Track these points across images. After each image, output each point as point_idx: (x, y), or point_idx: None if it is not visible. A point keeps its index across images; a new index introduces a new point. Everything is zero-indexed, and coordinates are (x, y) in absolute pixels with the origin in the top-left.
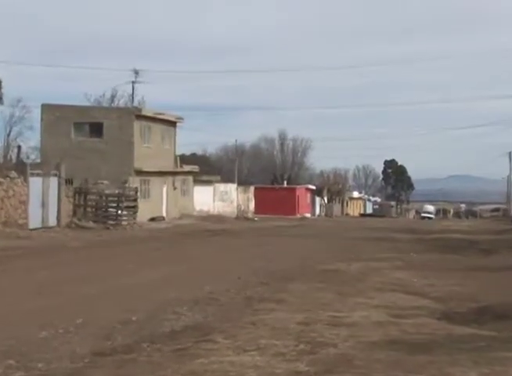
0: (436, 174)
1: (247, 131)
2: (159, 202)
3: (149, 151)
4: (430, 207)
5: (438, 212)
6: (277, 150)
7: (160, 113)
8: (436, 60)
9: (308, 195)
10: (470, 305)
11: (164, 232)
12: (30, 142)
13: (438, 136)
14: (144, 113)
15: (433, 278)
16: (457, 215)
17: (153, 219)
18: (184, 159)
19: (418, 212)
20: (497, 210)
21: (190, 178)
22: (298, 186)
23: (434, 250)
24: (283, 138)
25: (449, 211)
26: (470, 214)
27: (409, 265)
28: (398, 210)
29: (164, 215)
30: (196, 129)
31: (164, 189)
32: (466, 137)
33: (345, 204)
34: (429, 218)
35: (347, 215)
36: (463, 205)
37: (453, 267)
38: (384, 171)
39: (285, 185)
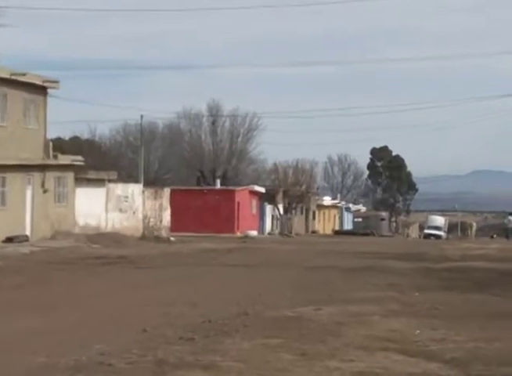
0: (452, 169)
1: (160, 103)
2: (19, 212)
3: (2, 133)
4: (439, 220)
5: (452, 228)
6: (206, 133)
7: (22, 74)
8: None
9: (254, 202)
10: (503, 370)
11: (26, 260)
12: None
13: (455, 111)
14: None
15: (445, 329)
16: (492, 234)
17: (9, 240)
18: (60, 145)
19: (423, 228)
20: None
21: (70, 175)
22: (239, 188)
23: (447, 286)
24: (214, 113)
25: (471, 226)
26: (503, 230)
27: (409, 309)
28: (393, 224)
29: (28, 232)
30: (80, 99)
31: (28, 193)
32: (500, 112)
33: (311, 215)
34: (436, 236)
35: (314, 232)
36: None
37: (476, 312)
38: (370, 165)
39: (218, 186)
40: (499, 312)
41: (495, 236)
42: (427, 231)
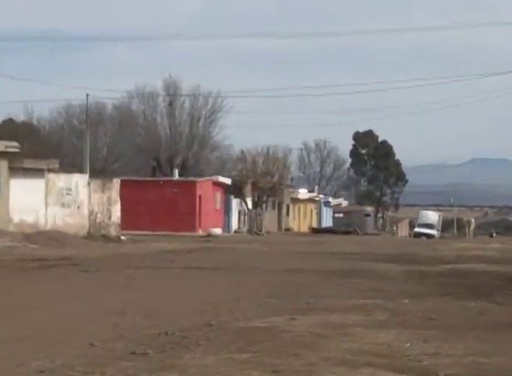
0: (447, 157)
1: (108, 81)
2: None
3: None
4: (431, 216)
5: (447, 225)
6: (162, 115)
7: None
8: None
9: (219, 195)
10: None
11: None
12: None
13: (450, 89)
14: None
15: (439, 341)
16: (490, 232)
17: None
18: None
19: (413, 225)
20: None
21: (3, 163)
22: (200, 179)
23: (441, 292)
24: (172, 92)
25: (469, 223)
26: (506, 228)
27: (398, 318)
28: (380, 221)
29: None
30: (15, 76)
31: None
32: (504, 90)
33: (285, 210)
34: (428, 235)
35: (288, 230)
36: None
37: (474, 322)
38: (353, 153)
39: (176, 176)
40: (500, 323)
41: (494, 234)
42: (417, 229)
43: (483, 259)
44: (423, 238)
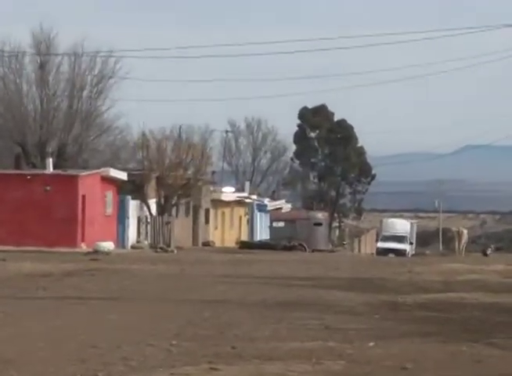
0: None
1: None
2: None
3: None
4: (399, 225)
5: (430, 238)
6: (30, 82)
7: None
8: None
9: (110, 195)
10: None
11: None
12: None
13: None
14: None
15: None
16: (484, 247)
17: None
18: None
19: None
20: None
21: None
22: (84, 173)
23: (422, 332)
24: (44, 50)
25: (461, 235)
26: (511, 242)
27: (360, 369)
28: (336, 232)
29: None
30: None
31: None
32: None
33: (203, 217)
34: (397, 252)
35: (207, 244)
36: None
37: (468, 374)
38: (299, 136)
39: (50, 169)
40: (503, 375)
41: (490, 250)
42: (382, 244)
43: (480, 286)
44: (391, 256)
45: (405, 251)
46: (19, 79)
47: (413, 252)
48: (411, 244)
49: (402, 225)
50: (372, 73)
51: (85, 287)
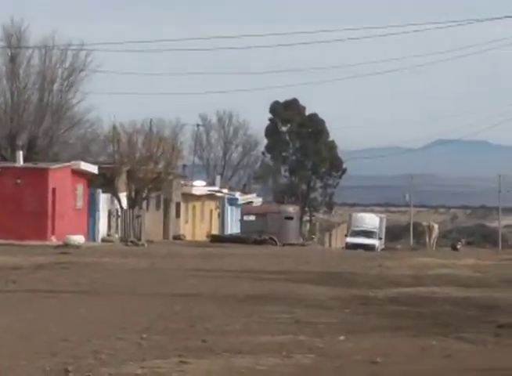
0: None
1: None
2: None
3: None
4: (368, 220)
5: (401, 233)
6: (0, 75)
7: None
8: None
9: (81, 189)
10: None
11: None
12: None
13: (407, 41)
14: None
15: None
16: (453, 241)
17: None
18: None
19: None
20: None
21: None
22: (54, 166)
23: (392, 326)
24: (14, 43)
25: (431, 230)
26: (483, 236)
27: (330, 363)
28: (307, 226)
29: None
30: None
31: None
32: (486, 45)
33: (174, 211)
34: (367, 247)
35: (178, 238)
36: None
37: (438, 369)
38: (270, 130)
39: (20, 162)
40: (472, 370)
41: (460, 245)
42: (350, 239)
43: (451, 281)
44: (361, 250)
45: (374, 246)
46: None
47: (383, 247)
48: (380, 238)
49: (371, 220)
50: (344, 67)
51: (56, 281)
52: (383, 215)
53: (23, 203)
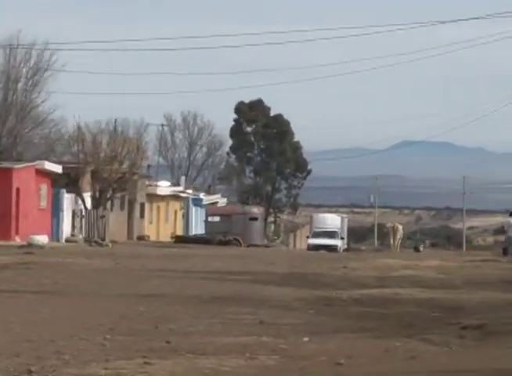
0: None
1: None
2: None
3: None
4: (330, 220)
5: (365, 234)
6: None
7: None
8: None
9: (45, 188)
10: None
11: None
12: None
13: (373, 42)
14: None
15: None
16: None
17: None
18: None
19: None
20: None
21: None
22: (18, 166)
23: (356, 328)
24: None
25: (396, 231)
26: (447, 238)
27: (294, 364)
28: (272, 227)
29: None
30: None
31: None
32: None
33: (139, 211)
34: (329, 248)
35: (142, 239)
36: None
37: (402, 371)
38: (235, 131)
39: None
40: (436, 371)
41: (423, 247)
42: (312, 241)
43: (415, 282)
44: (323, 252)
45: (336, 246)
46: None
47: (345, 247)
48: (342, 238)
49: (332, 221)
50: (309, 68)
51: (19, 281)
52: (344, 215)
53: None
